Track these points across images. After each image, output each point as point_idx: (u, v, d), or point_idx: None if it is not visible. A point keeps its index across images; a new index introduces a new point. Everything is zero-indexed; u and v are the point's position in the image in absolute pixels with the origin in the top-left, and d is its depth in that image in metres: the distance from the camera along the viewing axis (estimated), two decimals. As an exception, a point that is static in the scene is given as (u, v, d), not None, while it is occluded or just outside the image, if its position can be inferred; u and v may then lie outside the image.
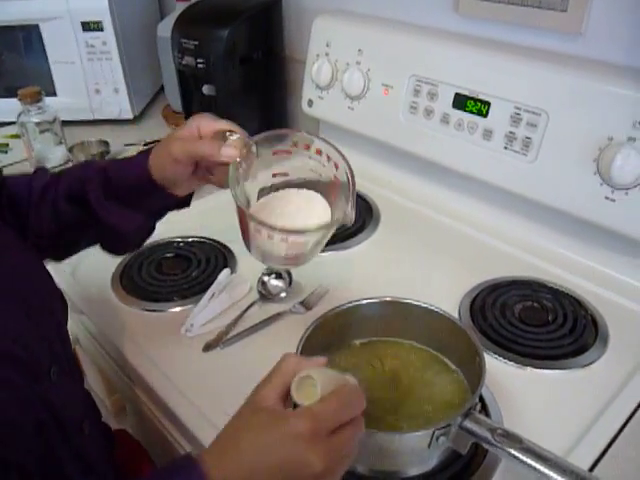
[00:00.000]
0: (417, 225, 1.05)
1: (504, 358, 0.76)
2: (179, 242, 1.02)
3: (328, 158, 0.63)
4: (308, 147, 0.65)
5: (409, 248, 0.99)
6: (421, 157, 1.05)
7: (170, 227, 1.06)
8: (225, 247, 1.01)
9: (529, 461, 0.53)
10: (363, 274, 0.94)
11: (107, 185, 0.69)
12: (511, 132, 0.90)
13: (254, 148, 0.65)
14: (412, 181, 1.12)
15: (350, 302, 0.71)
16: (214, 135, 0.66)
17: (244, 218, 0.62)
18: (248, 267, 0.94)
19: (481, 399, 0.69)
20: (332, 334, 0.71)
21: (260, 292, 0.89)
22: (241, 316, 0.85)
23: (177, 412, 0.71)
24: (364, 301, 0.71)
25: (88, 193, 0.68)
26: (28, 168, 1.25)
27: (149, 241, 1.01)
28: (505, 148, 0.91)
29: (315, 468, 0.44)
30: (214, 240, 1.03)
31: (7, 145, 1.40)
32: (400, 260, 0.97)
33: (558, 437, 0.66)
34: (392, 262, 0.96)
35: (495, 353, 0.76)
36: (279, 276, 0.90)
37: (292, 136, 0.65)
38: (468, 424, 0.57)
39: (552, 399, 0.71)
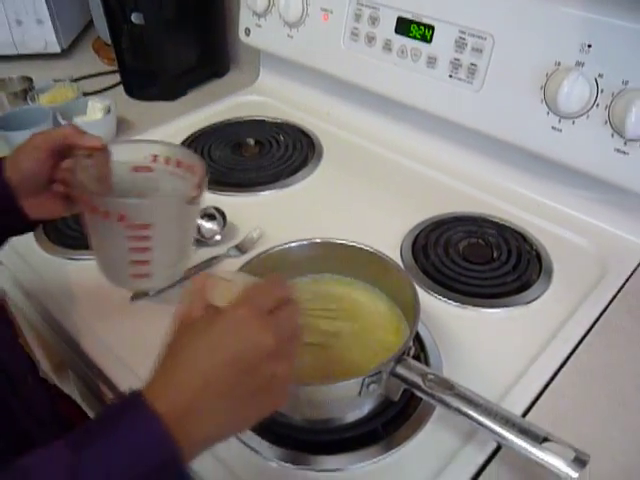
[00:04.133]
0: (361, 160, 1.00)
1: (446, 298, 0.73)
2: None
3: (189, 168, 0.59)
4: (168, 161, 0.60)
5: (352, 185, 0.95)
6: (364, 87, 0.99)
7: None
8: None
9: (460, 407, 0.50)
10: (303, 214, 0.89)
11: None
12: (456, 59, 0.84)
13: (113, 157, 0.59)
14: (356, 113, 1.06)
15: (280, 245, 0.67)
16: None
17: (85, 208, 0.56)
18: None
19: (420, 342, 0.67)
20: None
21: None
22: (171, 263, 0.80)
23: (106, 371, 0.66)
24: (294, 244, 0.66)
25: None
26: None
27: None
28: (450, 76, 0.86)
29: (268, 344, 0.39)
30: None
31: None
32: (342, 198, 0.92)
33: (498, 377, 0.64)
34: (333, 201, 0.92)
35: (437, 293, 0.74)
36: (213, 218, 0.85)
37: (150, 147, 0.60)
38: (399, 370, 0.54)
39: (494, 339, 0.69)
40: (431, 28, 0.85)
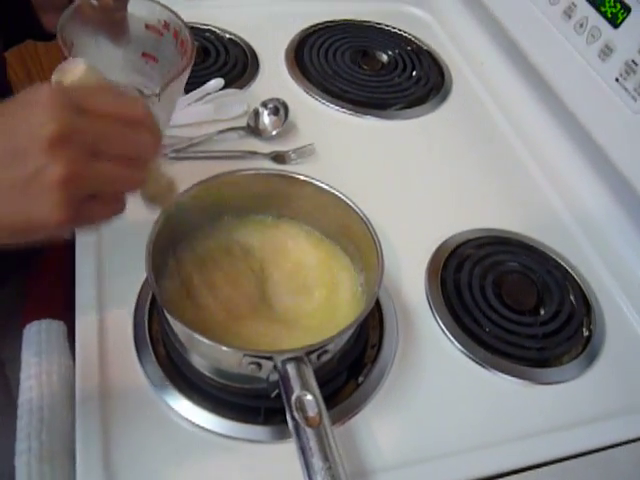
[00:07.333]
0: (482, 131, 0.83)
1: (445, 327, 0.59)
2: (213, 31, 0.89)
3: (185, 52, 0.56)
4: (177, 34, 0.57)
5: (452, 151, 0.80)
6: (523, 47, 0.80)
7: (212, 13, 0.93)
8: (255, 58, 0.86)
9: (306, 448, 0.40)
10: (379, 156, 0.77)
11: None
12: (634, 62, 0.63)
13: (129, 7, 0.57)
14: (509, 78, 0.88)
15: (230, 172, 0.56)
16: None
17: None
18: (261, 91, 0.81)
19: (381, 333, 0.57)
20: (205, 210, 0.57)
21: (248, 123, 0.76)
22: (211, 137, 0.73)
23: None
24: (245, 172, 0.56)
25: None
26: None
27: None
28: (616, 80, 0.65)
29: (46, 131, 0.32)
30: (251, 48, 0.88)
31: None
32: (432, 160, 0.78)
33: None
34: (421, 158, 0.78)
35: (440, 316, 0.60)
36: (275, 112, 0.76)
37: (165, 15, 0.57)
38: (289, 368, 0.44)
39: (490, 406, 0.56)
40: (627, 10, 0.64)
